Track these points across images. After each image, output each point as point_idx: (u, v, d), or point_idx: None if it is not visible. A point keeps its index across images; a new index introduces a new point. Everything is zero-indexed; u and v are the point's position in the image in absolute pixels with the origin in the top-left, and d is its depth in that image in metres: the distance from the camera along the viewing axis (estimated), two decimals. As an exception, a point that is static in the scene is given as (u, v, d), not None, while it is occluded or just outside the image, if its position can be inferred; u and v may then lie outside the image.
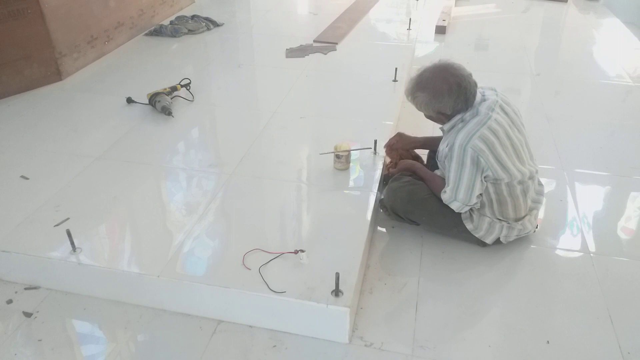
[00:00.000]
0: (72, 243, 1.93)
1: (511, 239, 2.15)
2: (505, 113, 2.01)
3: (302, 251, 1.94)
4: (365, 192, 2.32)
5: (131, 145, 2.72)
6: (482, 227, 2.09)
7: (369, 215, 2.17)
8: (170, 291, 1.87)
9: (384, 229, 2.34)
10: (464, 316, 1.89)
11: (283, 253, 1.93)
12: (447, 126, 2.04)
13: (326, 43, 4.23)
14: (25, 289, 1.99)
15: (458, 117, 2.00)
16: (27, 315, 1.87)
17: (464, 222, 2.09)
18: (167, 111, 2.99)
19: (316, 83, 3.56)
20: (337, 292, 1.75)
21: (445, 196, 2.03)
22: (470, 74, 1.99)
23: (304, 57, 3.96)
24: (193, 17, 4.64)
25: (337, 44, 4.21)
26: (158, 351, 1.75)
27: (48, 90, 3.35)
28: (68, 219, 2.11)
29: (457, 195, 1.99)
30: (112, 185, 2.37)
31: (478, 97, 2.00)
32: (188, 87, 3.29)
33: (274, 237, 2.06)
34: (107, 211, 2.20)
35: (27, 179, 2.41)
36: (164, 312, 1.89)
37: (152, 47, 4.14)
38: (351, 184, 2.40)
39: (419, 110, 2.06)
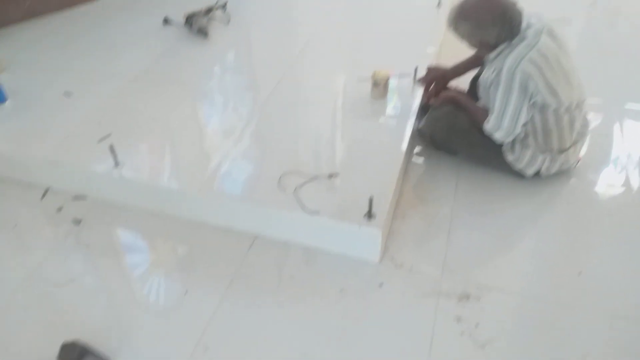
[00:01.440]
0: (115, 157, 2.00)
1: (552, 172, 2.11)
2: (554, 38, 1.93)
3: (336, 175, 1.96)
4: (402, 120, 2.29)
5: (167, 67, 2.72)
6: (524, 159, 2.06)
7: (404, 143, 2.16)
8: (209, 206, 1.94)
9: (420, 159, 2.33)
10: (497, 245, 1.91)
11: (317, 176, 1.96)
12: (492, 55, 1.97)
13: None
14: (74, 198, 2.09)
15: (503, 45, 1.92)
16: (76, 222, 1.98)
17: (505, 153, 2.06)
18: (203, 33, 2.96)
19: (356, 7, 3.44)
20: (369, 214, 1.78)
21: (489, 125, 1.99)
22: (515, 2, 1.89)
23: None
24: None
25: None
26: (197, 262, 1.85)
27: (86, 8, 3.35)
28: (110, 134, 2.17)
29: (501, 123, 1.95)
30: (150, 105, 2.41)
31: (523, 25, 1.91)
32: (224, 9, 3.23)
33: (309, 161, 2.08)
34: (146, 129, 2.25)
35: (70, 95, 2.46)
36: (203, 225, 1.96)
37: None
38: (388, 111, 2.37)
39: (461, 40, 1.99)
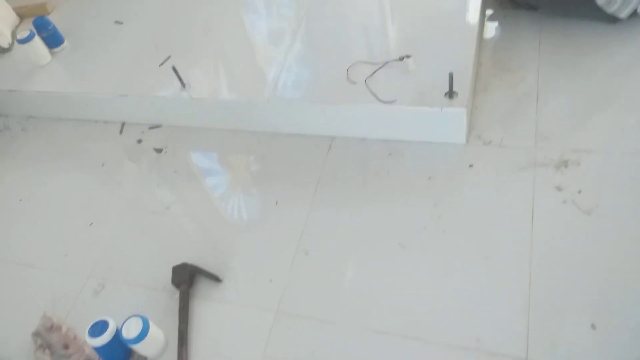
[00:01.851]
0: (180, 79, 1.98)
1: (651, 9, 1.83)
2: None
3: (408, 57, 1.82)
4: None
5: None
6: None
7: (477, 5, 1.94)
8: (282, 114, 1.90)
9: (495, 24, 2.10)
10: (591, 104, 1.74)
11: (387, 62, 1.83)
12: None
13: None
14: (150, 128, 2.13)
15: None
16: (158, 151, 2.03)
17: None
18: None
19: None
20: (450, 93, 1.66)
21: None
22: None
23: None
24: None
25: None
26: (280, 172, 1.85)
27: None
28: (169, 57, 2.13)
29: None
30: (199, 18, 2.32)
31: None
32: None
33: (375, 47, 1.94)
34: (202, 45, 2.18)
35: (121, 23, 2.42)
36: (280, 134, 1.94)
37: None
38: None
39: None
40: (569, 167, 1.60)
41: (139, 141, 2.10)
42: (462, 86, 1.67)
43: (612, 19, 1.86)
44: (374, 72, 1.81)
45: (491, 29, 2.09)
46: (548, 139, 1.67)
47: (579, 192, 1.54)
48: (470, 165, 1.68)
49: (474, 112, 1.80)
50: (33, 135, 2.28)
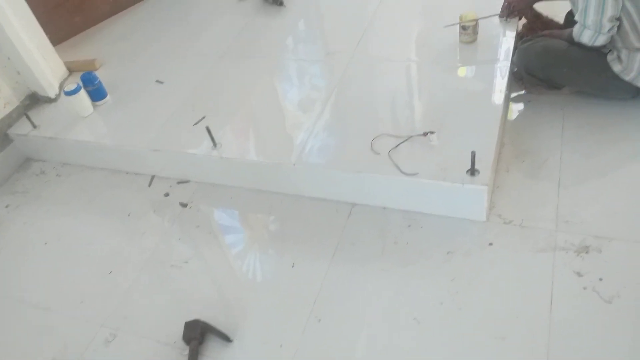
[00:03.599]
0: (213, 139, 2.06)
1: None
2: None
3: (432, 132, 1.88)
4: (496, 64, 2.13)
5: (248, 41, 2.73)
6: (634, 66, 1.82)
7: (502, 88, 2.01)
8: (306, 178, 1.95)
9: (519, 104, 2.16)
10: (616, 188, 1.75)
11: (412, 136, 1.89)
12: None
13: None
14: (178, 183, 2.20)
15: None
16: (184, 205, 2.09)
17: (611, 64, 1.85)
18: (278, 1, 2.92)
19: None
20: (472, 170, 1.69)
21: (575, 28, 1.80)
22: None
23: None
24: None
25: None
26: (300, 234, 1.87)
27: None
28: (204, 117, 2.24)
29: (585, 19, 1.75)
30: (236, 82, 2.44)
31: None
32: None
33: (400, 121, 2.01)
34: (236, 107, 2.28)
35: (161, 82, 2.56)
36: (302, 197, 1.98)
37: None
38: (480, 57, 2.22)
39: None
40: (590, 253, 1.58)
41: (166, 194, 2.16)
42: (484, 164, 1.70)
43: (634, 91, 1.89)
44: (398, 145, 1.87)
45: (515, 111, 2.15)
46: (569, 222, 1.67)
47: (600, 279, 1.51)
48: (490, 244, 1.67)
49: (495, 191, 1.82)
50: (66, 181, 2.37)
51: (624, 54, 1.82)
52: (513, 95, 2.19)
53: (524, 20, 2.33)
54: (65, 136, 2.37)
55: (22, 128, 2.46)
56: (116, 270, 1.90)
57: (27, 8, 2.46)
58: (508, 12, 2.25)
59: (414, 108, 2.07)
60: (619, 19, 1.75)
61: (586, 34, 1.79)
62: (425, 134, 1.88)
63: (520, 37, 2.23)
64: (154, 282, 1.84)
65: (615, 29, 1.77)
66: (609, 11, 1.71)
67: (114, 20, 3.21)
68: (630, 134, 1.90)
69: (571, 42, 1.91)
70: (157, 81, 2.57)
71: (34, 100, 2.59)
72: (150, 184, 2.23)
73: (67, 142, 2.36)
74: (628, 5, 1.71)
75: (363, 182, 1.86)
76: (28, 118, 2.45)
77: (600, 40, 1.79)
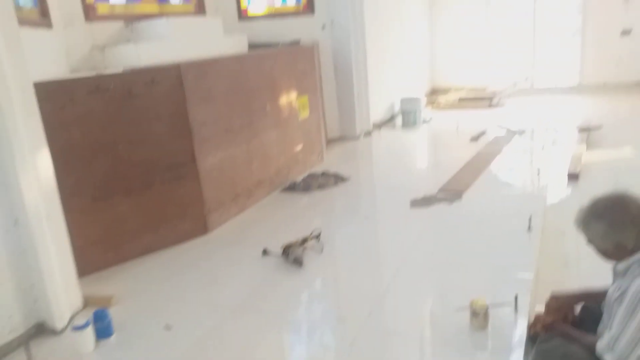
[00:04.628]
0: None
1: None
2: None
3: None
4: (507, 354, 2.11)
5: (264, 298, 2.81)
6: None
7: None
8: None
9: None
10: None
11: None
12: (621, 266, 1.80)
13: (451, 192, 4.24)
14: None
15: (637, 256, 1.76)
16: None
17: None
18: (298, 262, 3.10)
19: (443, 233, 3.51)
20: None
21: (601, 344, 1.75)
22: None
23: (428, 207, 3.98)
24: (323, 173, 5.00)
25: (462, 192, 4.20)
26: None
27: (194, 243, 3.67)
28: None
29: (615, 345, 1.71)
30: (242, 339, 2.42)
31: None
32: (318, 239, 3.42)
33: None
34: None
35: (169, 329, 2.55)
36: None
37: (287, 201, 4.47)
38: (491, 345, 2.20)
39: (590, 243, 1.85)
40: None
41: None
42: None
43: None
44: None
45: None
46: None
47: None
48: None
49: None
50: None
51: None
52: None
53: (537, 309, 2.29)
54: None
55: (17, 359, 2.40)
56: None
57: (67, 241, 2.65)
58: (543, 331, 2.06)
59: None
60: None
61: (609, 357, 1.76)
62: None
63: (532, 330, 2.22)
64: None
65: None
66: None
67: (142, 261, 3.39)
68: None
69: (591, 351, 1.87)
70: (166, 327, 2.57)
71: (39, 330, 2.57)
72: None
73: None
74: None
75: None
76: (27, 350, 2.39)
77: None
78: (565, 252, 3.10)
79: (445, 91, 9.01)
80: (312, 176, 4.97)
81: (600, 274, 2.02)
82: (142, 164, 3.39)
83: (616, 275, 1.86)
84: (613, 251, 1.81)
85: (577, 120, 6.32)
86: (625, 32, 8.01)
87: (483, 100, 8.16)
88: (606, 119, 6.06)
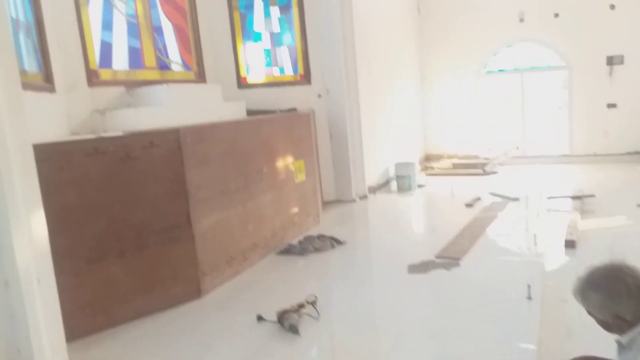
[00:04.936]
0: None
1: None
2: None
3: None
4: None
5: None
6: None
7: None
8: None
9: None
10: None
11: None
12: (625, 339, 1.76)
13: (448, 259, 4.21)
14: None
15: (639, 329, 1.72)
16: None
17: None
18: (294, 330, 3.01)
19: (441, 300, 3.45)
20: None
21: None
22: None
23: (426, 272, 3.93)
24: (319, 236, 4.96)
25: (459, 259, 4.17)
26: None
27: (187, 307, 3.57)
28: None
29: None
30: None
31: None
32: (314, 304, 3.34)
33: None
34: None
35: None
36: None
37: (282, 265, 4.41)
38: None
39: (590, 314, 1.82)
40: None
41: None
42: None
43: None
44: None
45: None
46: None
47: None
48: None
49: None
50: None
51: None
52: None
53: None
54: None
55: None
56: None
57: (57, 305, 2.57)
58: None
59: None
60: None
61: None
62: None
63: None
64: None
65: None
66: None
67: (134, 325, 3.28)
68: None
69: None
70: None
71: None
72: None
73: None
74: None
75: None
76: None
77: None
78: (567, 321, 3.04)
79: (437, 158, 9.15)
80: (308, 239, 4.92)
81: (604, 346, 1.96)
82: (136, 226, 3.37)
83: (621, 347, 1.82)
84: (614, 322, 1.78)
85: (570, 189, 6.40)
86: (611, 105, 8.28)
87: (476, 167, 8.29)
88: (598, 188, 6.14)
